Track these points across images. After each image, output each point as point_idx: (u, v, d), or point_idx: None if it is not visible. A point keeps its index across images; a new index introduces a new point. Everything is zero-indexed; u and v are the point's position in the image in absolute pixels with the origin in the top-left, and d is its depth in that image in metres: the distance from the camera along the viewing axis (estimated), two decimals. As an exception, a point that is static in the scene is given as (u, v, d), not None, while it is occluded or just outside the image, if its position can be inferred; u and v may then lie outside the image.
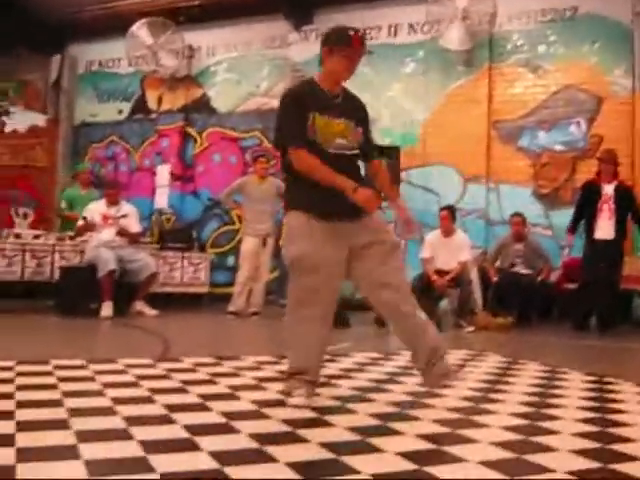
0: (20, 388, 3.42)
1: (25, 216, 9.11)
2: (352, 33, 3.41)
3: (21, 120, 11.01)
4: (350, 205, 3.22)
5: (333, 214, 3.30)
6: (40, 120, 11.45)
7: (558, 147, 8.67)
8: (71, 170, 11.70)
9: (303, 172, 3.28)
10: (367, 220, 3.38)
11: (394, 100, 9.57)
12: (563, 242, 7.94)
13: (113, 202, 8.12)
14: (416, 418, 3.12)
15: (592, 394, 3.80)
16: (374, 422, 3.02)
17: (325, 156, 3.30)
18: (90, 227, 7.88)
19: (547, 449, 2.66)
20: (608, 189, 7.38)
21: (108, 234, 7.85)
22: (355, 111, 3.53)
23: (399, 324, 3.50)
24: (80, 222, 8.01)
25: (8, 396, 3.23)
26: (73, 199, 9.05)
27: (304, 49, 9.86)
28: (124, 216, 8.06)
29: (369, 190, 3.21)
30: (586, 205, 7.47)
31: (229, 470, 2.26)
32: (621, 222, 7.27)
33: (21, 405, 3.06)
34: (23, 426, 2.71)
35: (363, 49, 3.46)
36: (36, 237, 8.37)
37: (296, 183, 3.39)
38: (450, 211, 7.93)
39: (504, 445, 2.68)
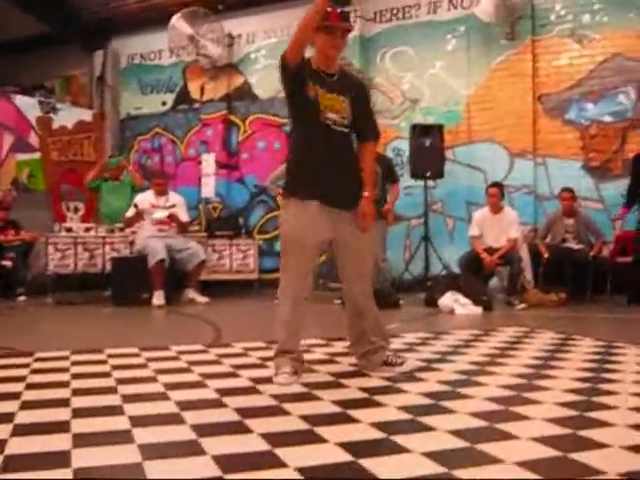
0: (75, 376, 3.50)
1: (76, 210, 9.26)
2: (330, 9, 3.47)
3: (68, 116, 11.17)
4: (347, 195, 3.54)
5: (330, 201, 3.50)
6: (86, 115, 11.61)
7: (607, 118, 8.44)
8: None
9: (301, 30, 3.35)
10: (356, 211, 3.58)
11: (436, 78, 9.42)
12: (615, 215, 7.81)
13: (161, 193, 8.22)
14: (468, 396, 3.09)
15: (649, 368, 3.73)
16: (425, 401, 3.01)
17: (319, 124, 3.49)
18: (140, 216, 7.99)
19: (604, 424, 2.61)
20: None
21: (160, 214, 8.00)
22: (350, 88, 3.62)
23: (361, 314, 3.69)
24: (130, 212, 8.11)
25: (64, 384, 3.31)
26: (99, 188, 9.24)
27: (343, 31, 9.76)
28: (173, 206, 8.16)
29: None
30: (637, 178, 7.32)
31: (280, 452, 2.27)
32: None
33: (76, 393, 3.13)
34: (78, 413, 2.77)
35: (344, 25, 3.53)
36: (87, 230, 8.52)
37: (297, 166, 3.59)
38: (499, 188, 7.83)
39: (558, 421, 2.64)
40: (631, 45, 8.31)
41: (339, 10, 3.52)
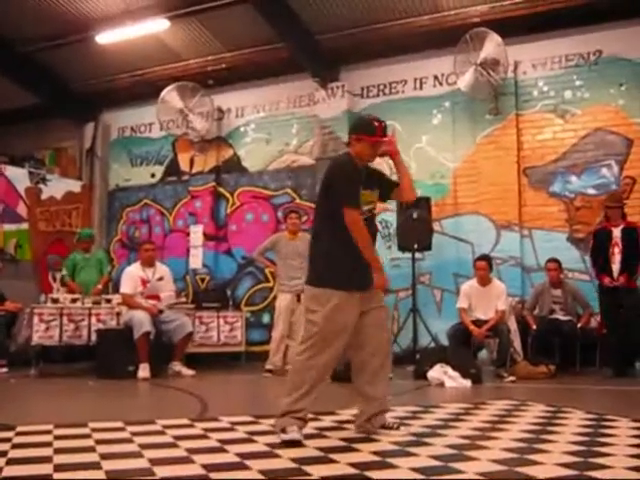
0: (58, 451, 3.41)
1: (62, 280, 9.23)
2: (377, 124, 3.91)
3: (57, 187, 11.25)
4: (367, 278, 3.80)
5: (357, 287, 3.80)
6: (75, 186, 11.69)
7: (591, 191, 8.58)
8: (107, 234, 11.90)
9: (351, 231, 3.72)
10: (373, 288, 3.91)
11: (423, 152, 9.58)
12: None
13: (149, 262, 8.18)
14: (460, 471, 3.03)
15: (641, 441, 3.68)
16: (416, 476, 2.95)
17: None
18: (135, 306, 7.90)
19: (598, 500, 2.56)
20: (617, 232, 7.40)
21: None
22: (374, 179, 4.05)
23: (368, 378, 3.93)
24: (128, 288, 8.00)
25: (46, 460, 3.22)
26: (75, 264, 9.21)
27: (331, 106, 9.96)
28: (161, 278, 8.14)
29: (385, 277, 3.88)
30: (599, 251, 7.48)
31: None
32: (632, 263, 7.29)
33: (59, 469, 3.04)
34: (61, 490, 2.69)
35: (385, 137, 3.95)
36: (73, 301, 8.44)
37: (324, 256, 3.84)
38: (487, 261, 7.85)
39: (552, 496, 2.59)
40: (612, 120, 8.52)
41: (383, 124, 3.93)
